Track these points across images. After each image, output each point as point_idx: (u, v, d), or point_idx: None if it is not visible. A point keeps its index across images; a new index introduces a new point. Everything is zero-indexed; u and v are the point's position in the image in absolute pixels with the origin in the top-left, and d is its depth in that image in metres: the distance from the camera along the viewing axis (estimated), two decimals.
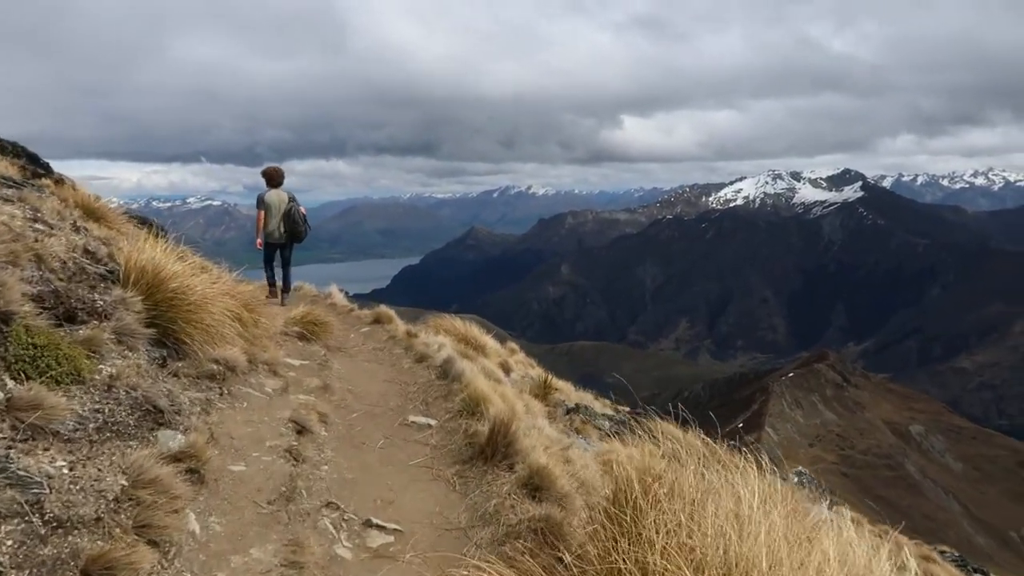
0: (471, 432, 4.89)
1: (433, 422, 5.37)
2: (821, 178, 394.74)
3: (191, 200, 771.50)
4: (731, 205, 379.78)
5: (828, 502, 9.63)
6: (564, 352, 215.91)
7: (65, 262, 4.26)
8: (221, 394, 4.43)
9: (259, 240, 12.05)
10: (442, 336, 9.11)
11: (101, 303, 3.98)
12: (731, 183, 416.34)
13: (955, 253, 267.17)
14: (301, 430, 4.41)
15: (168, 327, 4.38)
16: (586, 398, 11.40)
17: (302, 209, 11.97)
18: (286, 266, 12.32)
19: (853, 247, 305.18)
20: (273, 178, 11.95)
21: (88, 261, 4.52)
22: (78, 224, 5.55)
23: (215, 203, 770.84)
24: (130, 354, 3.86)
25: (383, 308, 10.17)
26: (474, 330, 10.39)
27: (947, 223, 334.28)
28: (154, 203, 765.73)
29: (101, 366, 3.47)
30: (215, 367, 4.55)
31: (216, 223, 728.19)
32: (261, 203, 11.91)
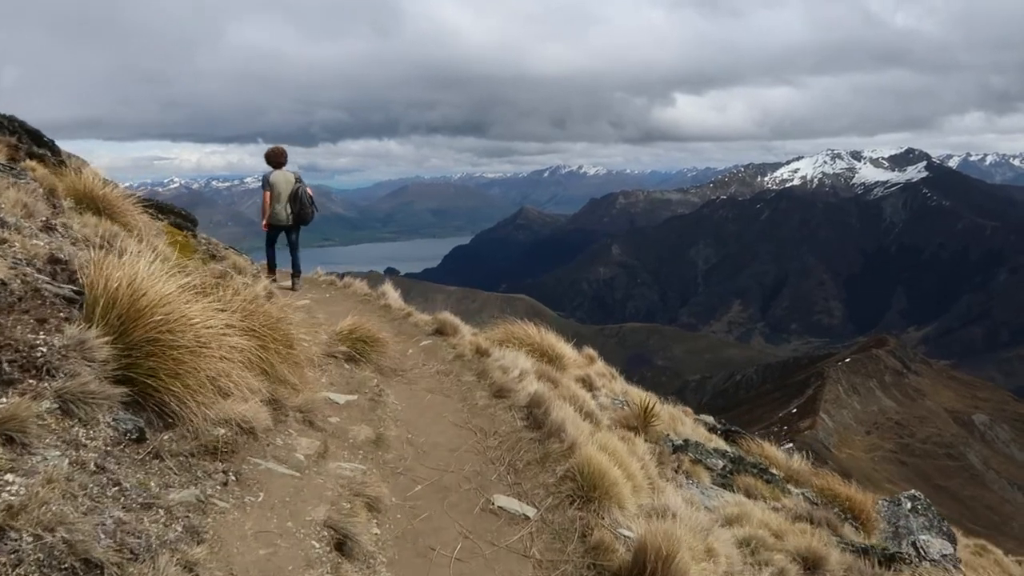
0: (594, 542, 3.40)
1: (531, 511, 3.87)
2: (883, 157, 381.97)
3: (248, 180, 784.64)
4: (787, 185, 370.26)
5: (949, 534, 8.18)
6: (614, 333, 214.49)
7: (6, 283, 2.89)
8: (225, 483, 2.95)
9: (265, 222, 11.58)
10: (516, 350, 7.67)
11: (43, 351, 2.60)
12: (788, 163, 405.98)
13: None
14: (342, 541, 2.97)
15: (147, 383, 2.98)
16: (678, 417, 9.81)
17: (309, 190, 11.66)
18: (294, 250, 11.98)
19: (916, 229, 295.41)
20: (276, 158, 11.49)
21: (48, 278, 3.14)
22: (53, 222, 4.16)
23: None
24: (83, 432, 2.46)
25: (447, 316, 8.74)
26: (550, 338, 8.81)
27: (1018, 204, 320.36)
28: (214, 183, 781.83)
29: (9, 477, 2.04)
30: (220, 434, 3.16)
31: None
32: (267, 184, 11.48)
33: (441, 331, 8.37)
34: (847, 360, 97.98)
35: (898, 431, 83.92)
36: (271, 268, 11.96)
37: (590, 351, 11.49)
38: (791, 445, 68.50)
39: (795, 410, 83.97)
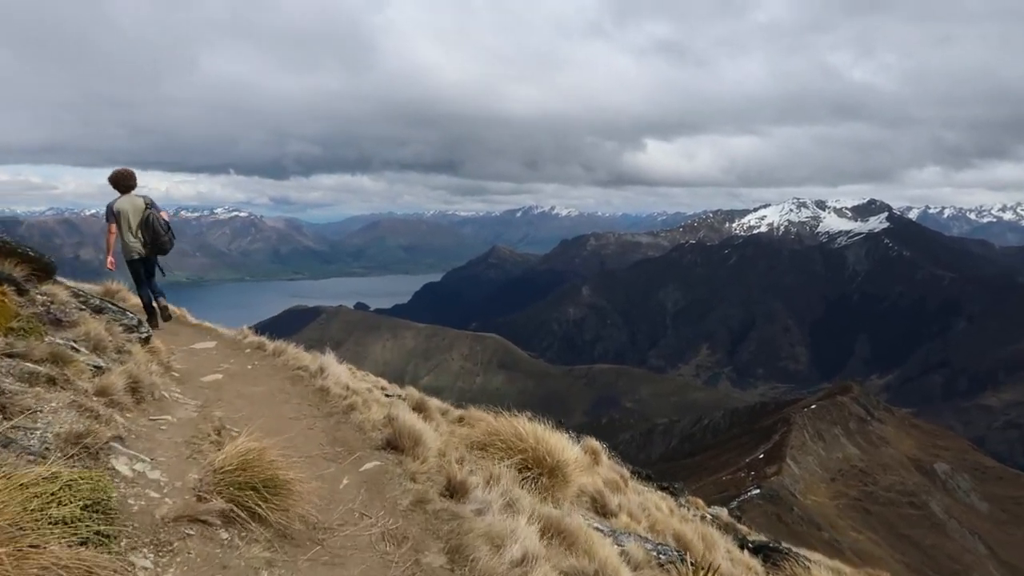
0: None
1: None
2: (847, 208, 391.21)
3: (219, 211, 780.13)
4: (754, 232, 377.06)
5: None
6: (583, 374, 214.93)
7: None
8: None
9: (110, 259, 9.99)
10: (504, 461, 5.95)
11: None
12: (755, 210, 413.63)
13: (982, 287, 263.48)
14: None
15: None
16: (709, 538, 8.04)
17: (163, 215, 10.14)
18: (150, 277, 10.40)
19: (878, 278, 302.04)
20: (122, 182, 9.98)
21: None
22: None
23: (242, 214, 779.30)
24: None
25: (405, 419, 6.04)
26: (547, 437, 6.50)
27: (974, 256, 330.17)
28: (182, 212, 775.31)
29: None
30: None
31: (242, 234, 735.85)
32: (111, 214, 9.84)
33: (395, 444, 5.80)
34: (813, 406, 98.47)
35: (862, 478, 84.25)
36: (148, 310, 10.28)
37: (592, 444, 9.55)
38: (758, 491, 69.15)
39: (762, 455, 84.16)
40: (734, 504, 65.20)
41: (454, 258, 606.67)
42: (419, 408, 8.35)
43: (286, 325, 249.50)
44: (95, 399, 4.79)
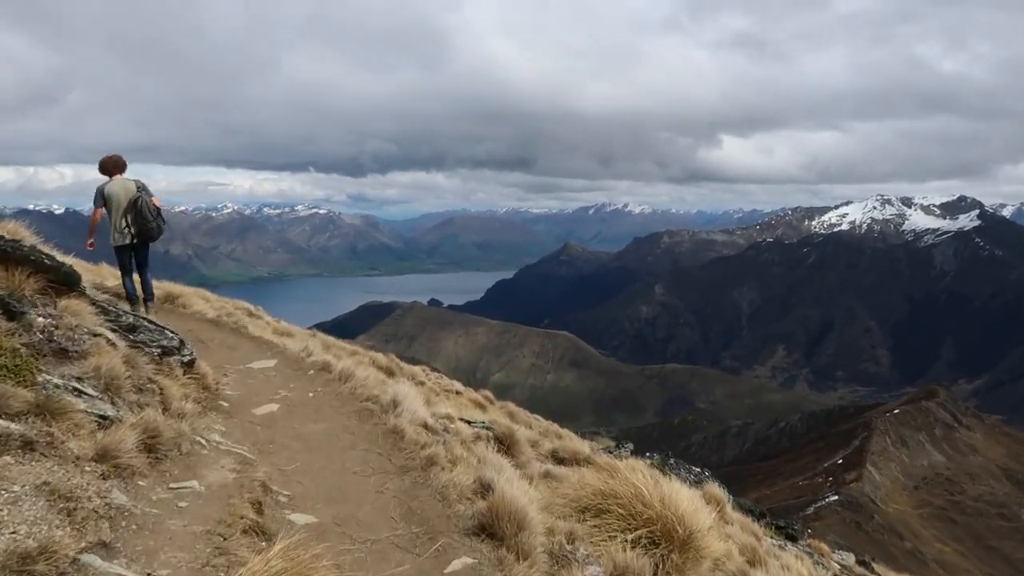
0: None
1: None
2: (934, 205, 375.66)
3: (299, 208, 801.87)
4: (835, 230, 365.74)
5: None
6: (655, 374, 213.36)
7: None
8: None
9: (90, 240, 9.58)
10: (623, 533, 4.89)
11: None
12: (836, 207, 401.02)
13: None
14: None
15: None
16: None
17: (154, 200, 9.62)
18: (141, 268, 9.92)
19: (967, 278, 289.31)
20: (112, 169, 9.57)
21: None
22: None
23: (321, 211, 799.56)
24: None
25: (504, 491, 4.83)
26: (675, 498, 5.10)
27: None
28: (265, 209, 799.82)
29: None
30: None
31: (321, 230, 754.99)
32: (100, 197, 9.37)
33: (491, 529, 4.51)
34: (896, 411, 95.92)
35: (948, 487, 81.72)
36: (130, 299, 9.68)
37: (715, 491, 8.62)
38: (836, 497, 67.54)
39: (840, 461, 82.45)
40: (810, 510, 64.04)
41: (526, 255, 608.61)
42: (507, 443, 7.38)
43: (362, 320, 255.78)
44: (88, 468, 3.58)
